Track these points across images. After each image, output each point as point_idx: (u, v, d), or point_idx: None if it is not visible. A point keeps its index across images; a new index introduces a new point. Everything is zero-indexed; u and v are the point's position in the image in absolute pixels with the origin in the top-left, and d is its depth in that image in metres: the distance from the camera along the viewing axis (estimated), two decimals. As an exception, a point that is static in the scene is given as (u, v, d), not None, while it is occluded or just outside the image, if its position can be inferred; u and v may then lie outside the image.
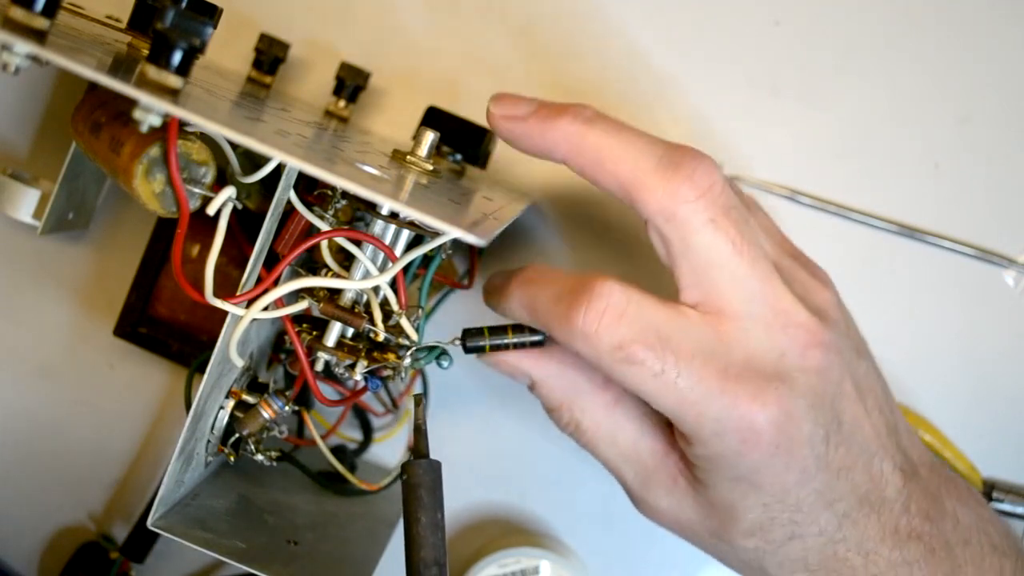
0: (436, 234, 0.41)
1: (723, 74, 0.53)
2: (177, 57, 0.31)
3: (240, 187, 0.39)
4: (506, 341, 0.42)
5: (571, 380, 0.42)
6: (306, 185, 0.41)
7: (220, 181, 0.39)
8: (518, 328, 0.42)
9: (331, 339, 0.42)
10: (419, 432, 0.40)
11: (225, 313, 0.39)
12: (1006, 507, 0.52)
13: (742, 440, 0.36)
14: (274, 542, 0.43)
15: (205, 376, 0.39)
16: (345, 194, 0.41)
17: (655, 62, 0.53)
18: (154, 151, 0.37)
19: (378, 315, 0.41)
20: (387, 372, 0.42)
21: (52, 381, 0.54)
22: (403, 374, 0.42)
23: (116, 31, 0.46)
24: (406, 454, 0.52)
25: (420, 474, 0.38)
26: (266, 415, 0.42)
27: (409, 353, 0.42)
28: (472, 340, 0.42)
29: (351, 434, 0.53)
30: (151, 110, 0.31)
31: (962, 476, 0.53)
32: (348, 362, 0.41)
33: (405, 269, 0.41)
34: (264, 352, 0.45)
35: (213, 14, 0.42)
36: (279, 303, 0.40)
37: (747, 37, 0.53)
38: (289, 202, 0.40)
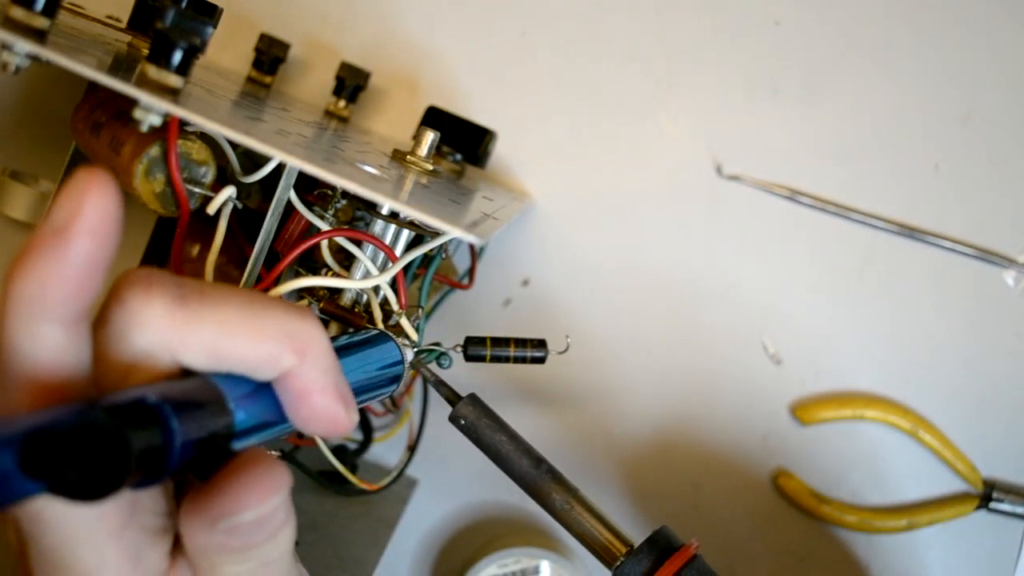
0: (436, 234, 0.41)
1: (723, 74, 0.53)
2: (177, 57, 0.31)
3: (240, 187, 0.39)
4: (508, 353, 0.43)
5: None
6: (306, 185, 0.41)
7: (220, 181, 0.39)
8: (521, 342, 0.43)
9: (331, 339, 0.42)
10: (440, 384, 0.40)
11: (225, 313, 0.38)
12: (1006, 507, 0.52)
13: None
14: (274, 542, 0.43)
15: (205, 376, 0.39)
16: (345, 194, 0.41)
17: (655, 62, 0.53)
18: (154, 151, 0.37)
19: (378, 315, 0.41)
20: (387, 372, 0.42)
21: (52, 381, 0.54)
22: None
23: (116, 31, 0.46)
24: (406, 454, 0.52)
25: (472, 409, 0.39)
26: (266, 415, 0.42)
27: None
28: (474, 348, 0.43)
29: (351, 434, 0.53)
30: (151, 110, 0.31)
31: (962, 476, 0.53)
32: (348, 362, 0.41)
33: (405, 269, 0.41)
34: (264, 352, 0.45)
35: (213, 14, 0.42)
36: (279, 303, 0.40)
37: (747, 37, 0.53)
38: (289, 202, 0.40)
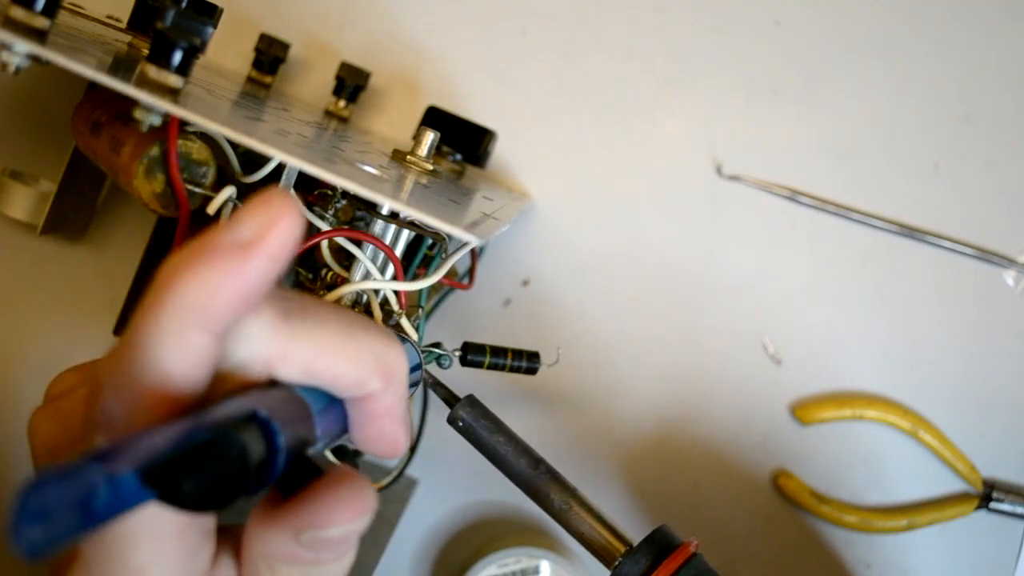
0: (436, 233, 0.42)
1: (723, 74, 0.53)
2: (177, 57, 0.31)
3: (240, 187, 0.39)
4: (504, 363, 0.43)
5: None
6: (306, 185, 0.41)
7: (220, 181, 0.39)
8: (517, 353, 0.43)
9: (331, 339, 0.42)
10: (438, 385, 0.40)
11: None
12: (1006, 507, 0.52)
13: None
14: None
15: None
16: (345, 194, 0.41)
17: (655, 62, 0.53)
18: (154, 151, 0.37)
19: (378, 315, 0.41)
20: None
21: (52, 381, 0.54)
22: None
23: (116, 31, 0.46)
24: (406, 454, 0.52)
25: (470, 411, 0.39)
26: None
27: (409, 353, 0.42)
28: (472, 354, 0.43)
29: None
30: (151, 110, 0.31)
31: (962, 476, 0.53)
32: (348, 362, 0.41)
33: (405, 269, 0.41)
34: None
35: (213, 14, 0.42)
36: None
37: (747, 37, 0.53)
38: (289, 202, 0.40)
